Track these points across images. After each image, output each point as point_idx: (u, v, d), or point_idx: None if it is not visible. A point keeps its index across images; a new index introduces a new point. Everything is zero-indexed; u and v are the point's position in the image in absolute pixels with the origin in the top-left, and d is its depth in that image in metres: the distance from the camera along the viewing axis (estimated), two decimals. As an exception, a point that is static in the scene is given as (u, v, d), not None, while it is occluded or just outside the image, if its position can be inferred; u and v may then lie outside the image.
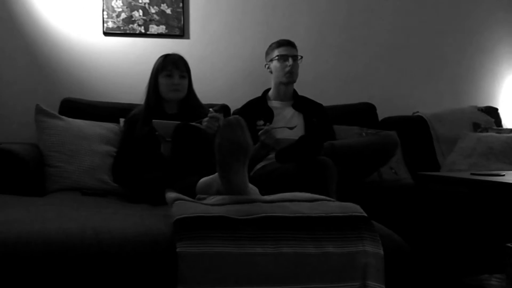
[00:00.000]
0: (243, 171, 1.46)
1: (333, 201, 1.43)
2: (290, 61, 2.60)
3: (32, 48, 2.79)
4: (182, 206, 1.26)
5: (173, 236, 1.15)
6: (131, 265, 1.10)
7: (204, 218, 1.17)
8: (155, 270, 1.11)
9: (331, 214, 1.27)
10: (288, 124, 2.51)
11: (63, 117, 2.47)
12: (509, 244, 1.77)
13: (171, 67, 2.33)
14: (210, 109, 2.37)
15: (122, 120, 2.59)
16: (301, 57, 2.68)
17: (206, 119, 2.15)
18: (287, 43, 2.65)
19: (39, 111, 2.40)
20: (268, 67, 2.72)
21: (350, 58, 3.20)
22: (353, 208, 1.33)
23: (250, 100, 2.74)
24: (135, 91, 2.77)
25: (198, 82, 2.49)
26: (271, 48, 2.70)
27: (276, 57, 2.63)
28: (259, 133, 2.28)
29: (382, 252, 1.27)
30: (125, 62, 2.91)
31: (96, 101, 2.72)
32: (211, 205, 1.31)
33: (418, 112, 3.12)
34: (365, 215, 1.32)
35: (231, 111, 2.84)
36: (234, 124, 1.48)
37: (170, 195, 1.46)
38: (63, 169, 2.26)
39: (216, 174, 1.56)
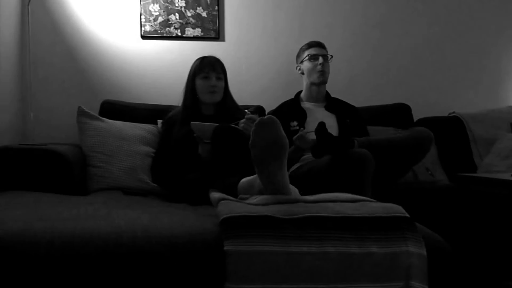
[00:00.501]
0: (281, 169, 1.48)
1: (375, 201, 1.43)
2: (321, 60, 2.63)
3: (73, 53, 2.88)
4: (228, 206, 1.29)
5: (220, 235, 1.18)
6: (180, 262, 1.14)
7: (250, 217, 1.20)
8: (203, 268, 1.15)
9: (375, 215, 1.28)
10: None
11: (104, 118, 2.53)
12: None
13: (208, 69, 2.37)
14: (246, 110, 2.41)
15: (159, 121, 2.65)
16: (331, 56, 2.69)
17: (243, 120, 2.18)
18: (316, 44, 2.68)
19: (81, 113, 2.47)
20: (299, 69, 2.75)
21: (385, 58, 3.19)
22: (396, 209, 1.34)
23: (284, 101, 2.77)
24: (172, 93, 2.84)
25: (233, 84, 2.53)
26: (302, 50, 2.73)
27: (307, 58, 2.66)
28: (294, 138, 2.29)
29: (425, 252, 1.28)
30: (162, 64, 2.97)
31: (134, 103, 2.79)
32: (255, 205, 1.34)
33: (454, 112, 3.08)
34: (408, 216, 1.33)
35: (266, 113, 2.87)
36: (267, 122, 1.50)
37: (215, 195, 1.50)
38: (105, 169, 2.32)
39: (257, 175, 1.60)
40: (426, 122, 2.97)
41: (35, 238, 1.11)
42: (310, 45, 2.67)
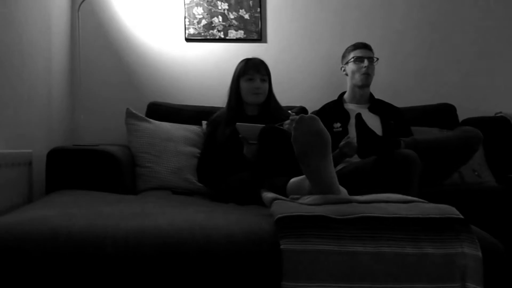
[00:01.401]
0: (326, 164, 1.48)
1: (427, 202, 1.43)
2: (366, 63, 2.61)
3: (120, 57, 2.96)
4: (282, 205, 1.31)
5: (276, 234, 1.20)
6: (238, 260, 1.17)
7: (305, 217, 1.22)
8: (260, 266, 1.17)
9: (428, 216, 1.28)
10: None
11: (151, 120, 2.60)
12: None
13: (252, 71, 2.40)
14: (289, 111, 2.42)
15: (204, 122, 2.70)
16: (377, 59, 2.68)
17: (287, 121, 2.20)
18: (363, 46, 2.67)
19: (130, 114, 2.54)
20: (344, 70, 2.75)
21: (428, 58, 3.16)
22: (450, 210, 1.33)
23: (327, 103, 2.77)
24: (215, 94, 2.89)
25: (275, 85, 2.56)
26: (347, 51, 2.73)
27: (352, 59, 2.66)
28: (340, 144, 2.29)
29: (480, 254, 1.27)
30: (205, 66, 3.02)
31: (179, 105, 2.85)
32: (309, 205, 1.36)
33: (501, 112, 3.02)
34: (462, 217, 1.32)
35: (308, 114, 2.87)
36: (308, 118, 1.52)
37: (268, 195, 1.52)
38: (152, 169, 2.39)
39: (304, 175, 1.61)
40: (472, 122, 2.92)
41: (101, 235, 1.16)
42: (356, 46, 2.66)
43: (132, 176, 2.37)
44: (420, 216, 1.28)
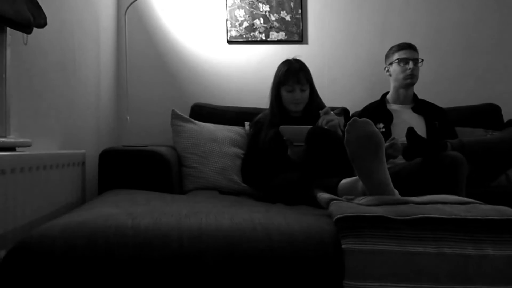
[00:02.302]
0: (380, 165, 1.50)
1: (484, 204, 1.42)
2: (411, 65, 2.59)
3: (164, 59, 3.03)
4: (342, 206, 1.33)
5: (336, 233, 1.22)
6: (300, 258, 1.19)
7: (365, 217, 1.24)
8: (322, 264, 1.19)
9: (488, 217, 1.28)
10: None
11: (196, 121, 2.64)
12: None
13: (292, 82, 2.41)
14: (332, 112, 2.42)
15: (247, 123, 2.73)
16: (422, 60, 2.66)
17: (320, 120, 2.21)
18: (408, 46, 2.65)
19: (175, 116, 2.60)
20: (388, 70, 2.74)
21: (472, 57, 3.12)
22: (509, 212, 1.32)
23: (369, 103, 2.77)
24: (257, 95, 2.92)
25: (317, 86, 2.56)
26: (391, 51, 2.71)
27: (396, 60, 2.64)
28: (385, 145, 2.28)
29: (542, 256, 1.26)
30: (247, 68, 3.05)
31: (222, 106, 2.89)
32: (366, 205, 1.37)
33: (547, 113, 2.96)
34: (522, 218, 1.31)
35: (350, 114, 2.88)
36: (360, 120, 1.54)
37: (323, 195, 1.54)
38: (199, 170, 2.43)
39: (357, 176, 1.63)
40: (517, 123, 2.89)
41: (166, 232, 1.19)
42: (401, 47, 2.64)
43: (179, 176, 2.42)
44: (479, 217, 1.28)
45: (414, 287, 1.16)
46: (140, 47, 2.99)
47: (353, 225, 1.23)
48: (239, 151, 2.59)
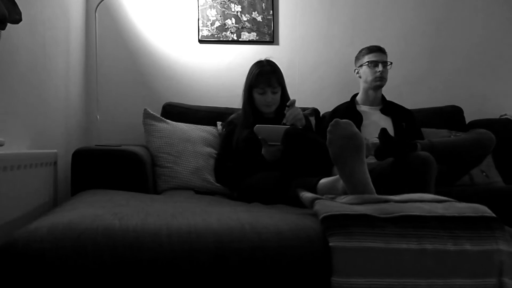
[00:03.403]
0: (361, 166, 1.55)
1: (459, 202, 1.49)
2: (380, 67, 2.67)
3: (135, 57, 3.00)
4: (326, 205, 1.36)
5: (324, 232, 1.25)
6: (288, 256, 1.21)
7: (350, 215, 1.27)
8: (309, 262, 1.21)
9: (464, 214, 1.34)
10: (375, 128, 2.57)
11: (168, 120, 2.63)
12: None
13: (263, 85, 2.43)
14: (303, 112, 2.44)
15: (219, 123, 2.74)
16: (391, 63, 2.73)
17: (287, 115, 2.25)
18: (377, 49, 2.72)
19: (147, 115, 2.57)
20: (357, 72, 2.80)
21: (437, 61, 3.23)
22: (483, 209, 1.39)
23: (339, 104, 2.82)
24: (229, 95, 2.94)
25: (287, 86, 2.59)
26: (362, 53, 2.77)
27: (366, 63, 2.70)
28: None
29: (514, 251, 1.33)
30: (219, 68, 3.06)
31: (194, 105, 2.89)
32: (349, 204, 1.41)
33: (506, 114, 3.10)
34: (495, 215, 1.38)
35: (321, 115, 2.93)
36: (342, 121, 1.58)
37: (306, 194, 1.57)
38: (172, 170, 2.42)
39: (338, 176, 1.67)
40: (478, 124, 3.01)
41: (155, 232, 1.19)
42: (371, 49, 2.70)
43: (152, 176, 2.40)
44: (456, 214, 1.34)
45: (399, 282, 1.21)
46: (111, 45, 2.95)
47: (339, 223, 1.26)
48: (212, 151, 2.59)
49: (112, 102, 2.95)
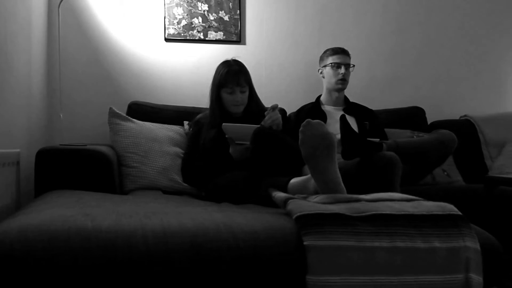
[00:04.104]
0: (333, 165, 1.57)
1: (427, 200, 1.53)
2: (343, 70, 2.71)
3: (99, 55, 2.93)
4: (300, 204, 1.37)
5: (298, 231, 1.26)
6: (263, 256, 1.22)
7: (324, 215, 1.29)
8: (284, 261, 1.22)
9: (433, 213, 1.38)
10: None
11: (134, 119, 2.59)
12: None
13: (232, 85, 2.42)
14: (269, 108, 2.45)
15: (186, 122, 2.72)
16: (353, 65, 2.78)
17: (267, 117, 2.25)
18: (341, 51, 2.76)
19: (113, 114, 2.52)
20: (321, 72, 2.84)
21: (399, 63, 3.31)
22: (450, 207, 1.44)
23: (304, 104, 2.86)
24: (195, 94, 2.92)
25: (254, 86, 2.60)
26: (326, 54, 2.81)
27: (330, 64, 2.74)
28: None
29: (479, 247, 1.38)
30: (185, 66, 3.03)
31: (160, 105, 2.85)
32: (322, 203, 1.43)
33: (466, 115, 3.21)
34: (461, 214, 1.43)
35: (287, 115, 2.95)
36: (314, 122, 1.61)
37: (279, 194, 1.57)
38: (139, 169, 2.38)
39: (309, 175, 1.68)
40: (439, 125, 3.09)
41: (130, 233, 1.17)
42: (335, 51, 2.74)
43: (119, 176, 2.35)
44: (425, 213, 1.38)
45: (372, 280, 1.23)
46: (75, 42, 2.87)
47: (313, 222, 1.27)
48: (179, 151, 2.57)
49: (76, 101, 2.88)
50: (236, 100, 2.44)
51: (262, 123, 2.26)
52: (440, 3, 3.35)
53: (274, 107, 2.27)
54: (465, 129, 3.11)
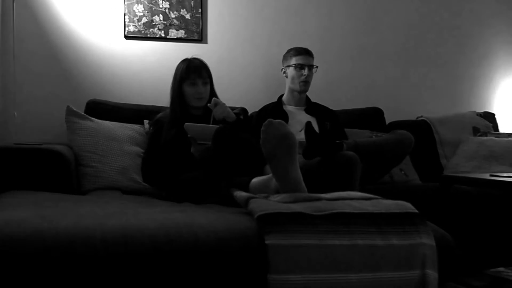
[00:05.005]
0: (294, 165, 1.59)
1: (385, 199, 1.56)
2: (306, 71, 2.73)
3: (57, 51, 2.84)
4: (261, 203, 1.38)
5: (260, 230, 1.26)
6: (225, 256, 1.21)
7: (285, 214, 1.30)
8: (246, 261, 1.23)
9: (391, 211, 1.41)
10: (300, 128, 2.64)
11: (93, 118, 2.54)
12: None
13: (194, 76, 2.40)
14: (209, 105, 2.43)
15: (146, 121, 2.68)
16: (317, 67, 2.81)
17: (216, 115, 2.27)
18: (305, 52, 2.77)
19: (70, 112, 2.47)
20: (284, 72, 2.85)
21: (359, 64, 3.36)
22: (407, 206, 1.47)
23: (266, 104, 2.86)
24: (155, 93, 2.88)
25: (216, 86, 2.58)
26: (289, 54, 2.81)
27: (293, 65, 2.76)
28: None
29: (434, 244, 1.42)
30: (145, 65, 2.99)
31: (120, 103, 2.80)
32: (283, 203, 1.44)
33: (422, 116, 3.29)
34: (418, 212, 1.47)
35: (249, 114, 2.95)
36: (276, 122, 1.63)
37: (241, 193, 1.57)
38: (98, 169, 2.34)
39: (270, 174, 1.69)
40: (397, 125, 3.15)
41: (90, 234, 1.15)
42: (298, 52, 2.75)
43: (77, 176, 2.30)
44: (384, 211, 1.41)
45: (332, 277, 1.25)
46: (30, 37, 2.78)
47: (274, 221, 1.28)
48: (139, 150, 2.53)
49: (32, 98, 2.78)
50: (199, 92, 2.41)
51: (212, 118, 2.25)
52: (398, 6, 3.42)
53: (215, 102, 2.27)
54: (421, 129, 3.18)
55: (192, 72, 2.40)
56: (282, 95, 2.89)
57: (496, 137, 3.07)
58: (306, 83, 2.75)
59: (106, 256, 1.13)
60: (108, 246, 1.14)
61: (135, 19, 2.94)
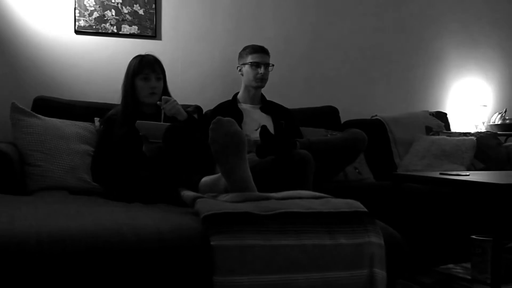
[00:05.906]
0: (243, 163, 1.57)
1: (335, 198, 1.56)
2: (262, 69, 2.71)
3: (3, 45, 2.72)
4: (208, 203, 1.34)
5: (206, 231, 1.23)
6: (169, 258, 1.18)
7: (231, 214, 1.27)
8: (190, 262, 1.19)
9: (340, 210, 1.41)
10: (256, 126, 2.62)
11: (40, 115, 2.44)
12: (473, 236, 1.99)
13: (147, 70, 2.35)
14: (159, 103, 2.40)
15: (96, 119, 2.60)
16: (273, 65, 2.79)
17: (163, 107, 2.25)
18: (261, 50, 2.75)
19: (16, 109, 2.38)
20: (240, 70, 2.82)
21: (314, 63, 3.37)
22: (357, 205, 1.47)
23: (221, 102, 2.82)
24: (107, 90, 2.81)
25: (169, 83, 2.52)
26: (245, 52, 2.78)
27: (249, 63, 2.73)
28: None
29: (383, 243, 1.42)
30: (97, 61, 2.90)
31: (69, 100, 2.71)
32: (231, 202, 1.41)
33: (376, 115, 3.33)
34: (367, 210, 1.47)
35: (203, 112, 2.91)
36: (224, 120, 1.60)
37: (188, 193, 1.54)
38: (44, 168, 2.25)
39: (220, 174, 1.66)
40: (352, 124, 3.17)
41: (24, 236, 1.09)
42: (255, 49, 2.72)
43: (21, 176, 2.21)
44: (333, 210, 1.40)
45: (279, 278, 1.23)
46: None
47: (220, 222, 1.25)
48: (89, 148, 2.45)
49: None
50: (152, 86, 2.35)
51: (166, 113, 2.23)
52: (354, 6, 3.46)
53: (166, 100, 2.24)
54: (375, 128, 3.21)
55: (145, 67, 2.35)
56: (237, 93, 2.86)
57: (448, 136, 3.13)
58: (262, 80, 2.73)
59: (42, 260, 1.07)
60: (44, 249, 1.08)
61: (86, 13, 2.85)
